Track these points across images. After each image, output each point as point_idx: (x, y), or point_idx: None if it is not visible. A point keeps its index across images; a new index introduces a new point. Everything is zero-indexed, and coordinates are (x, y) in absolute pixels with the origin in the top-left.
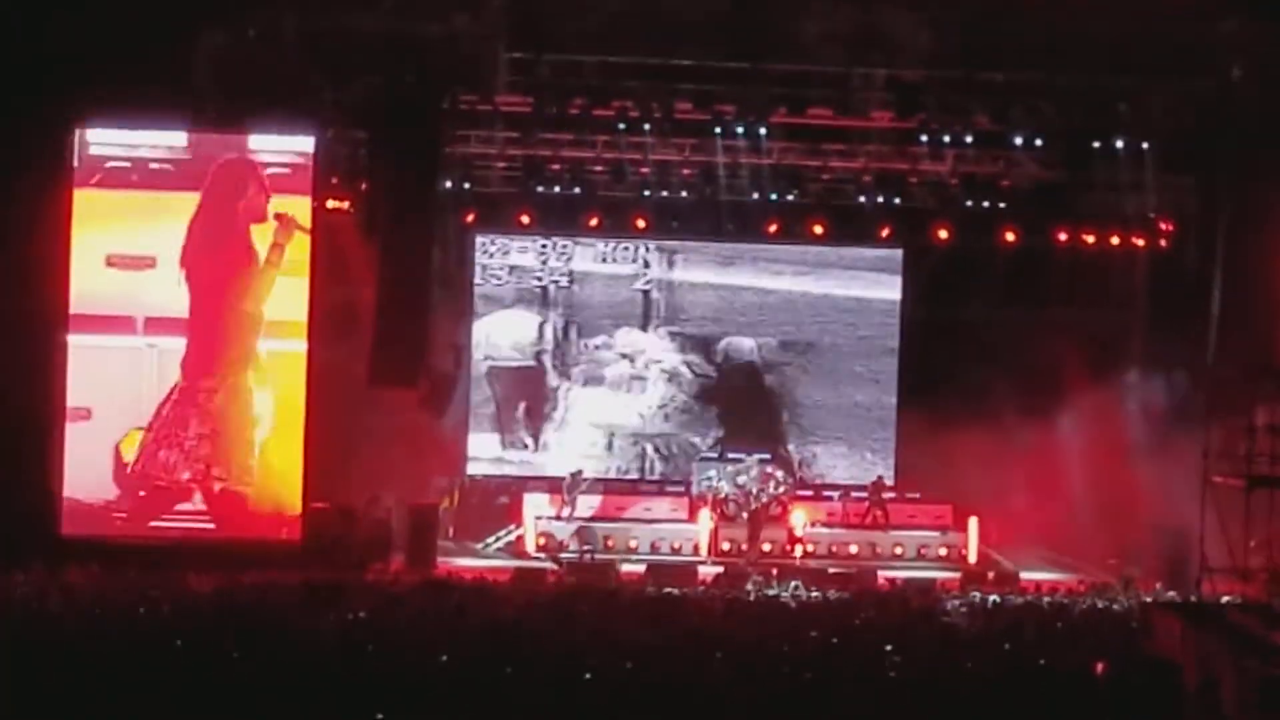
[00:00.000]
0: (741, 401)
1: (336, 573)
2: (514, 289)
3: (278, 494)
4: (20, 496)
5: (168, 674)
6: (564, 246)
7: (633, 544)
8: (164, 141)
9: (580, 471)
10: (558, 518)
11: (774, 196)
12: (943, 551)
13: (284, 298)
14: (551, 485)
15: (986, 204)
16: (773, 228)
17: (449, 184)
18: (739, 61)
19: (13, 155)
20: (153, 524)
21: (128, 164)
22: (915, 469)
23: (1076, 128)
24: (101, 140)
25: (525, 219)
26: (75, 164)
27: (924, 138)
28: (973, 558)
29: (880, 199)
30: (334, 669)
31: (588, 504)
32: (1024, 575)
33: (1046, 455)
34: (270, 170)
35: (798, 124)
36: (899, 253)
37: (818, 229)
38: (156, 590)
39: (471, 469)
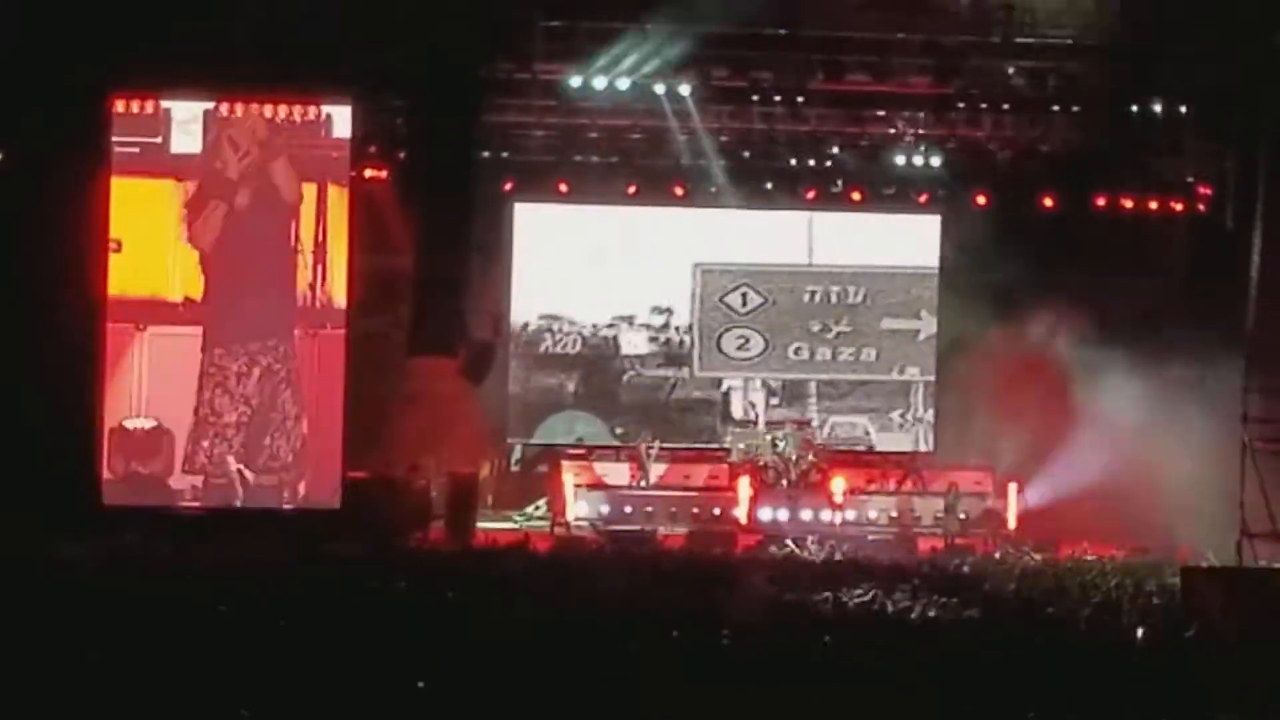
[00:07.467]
0: None
1: (377, 542)
2: None
3: (318, 467)
4: (64, 469)
5: (210, 644)
6: None
7: (672, 511)
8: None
9: (653, 438)
10: (593, 485)
11: (811, 163)
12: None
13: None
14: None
15: (1025, 169)
16: (810, 194)
17: (487, 153)
18: (775, 28)
19: (46, 126)
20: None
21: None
22: (953, 435)
23: (1115, 92)
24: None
25: (563, 187)
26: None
27: (962, 103)
28: (1012, 524)
29: (918, 165)
30: (374, 637)
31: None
32: (1064, 542)
33: (1085, 421)
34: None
35: (835, 90)
36: (937, 218)
37: (855, 196)
38: (199, 560)
39: None
